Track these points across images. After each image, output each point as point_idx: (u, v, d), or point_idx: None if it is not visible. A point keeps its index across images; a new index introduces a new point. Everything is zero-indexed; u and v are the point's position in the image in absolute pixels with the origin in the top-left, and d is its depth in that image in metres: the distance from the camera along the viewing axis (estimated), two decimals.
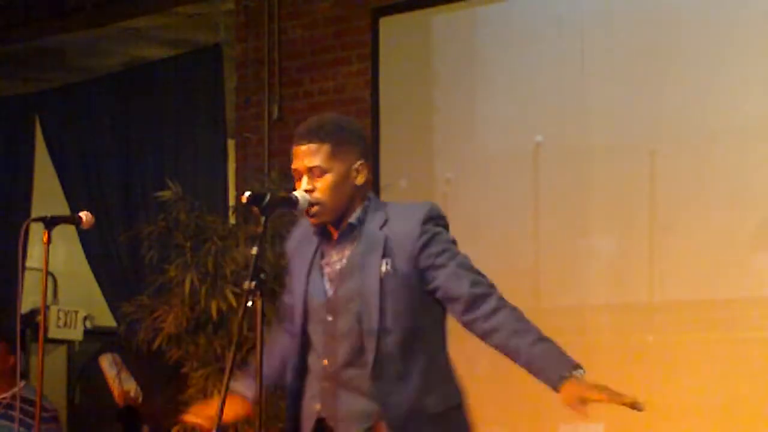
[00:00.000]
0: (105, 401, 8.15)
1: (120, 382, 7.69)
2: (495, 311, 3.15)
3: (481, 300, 3.16)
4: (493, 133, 6.23)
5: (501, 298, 3.19)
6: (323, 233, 3.31)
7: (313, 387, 3.26)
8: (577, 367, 3.05)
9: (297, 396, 3.29)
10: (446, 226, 3.30)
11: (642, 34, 5.80)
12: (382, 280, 3.19)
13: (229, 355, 3.03)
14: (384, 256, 3.20)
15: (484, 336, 3.16)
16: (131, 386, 7.78)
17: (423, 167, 6.45)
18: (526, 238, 6.01)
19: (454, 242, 3.28)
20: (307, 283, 3.28)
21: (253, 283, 2.99)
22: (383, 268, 3.20)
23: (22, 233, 4.20)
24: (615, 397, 2.97)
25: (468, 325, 3.19)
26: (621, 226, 5.77)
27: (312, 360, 3.27)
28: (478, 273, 3.23)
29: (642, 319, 5.66)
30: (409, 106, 6.56)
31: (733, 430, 5.37)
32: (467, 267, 3.22)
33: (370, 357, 3.17)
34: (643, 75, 5.76)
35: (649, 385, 5.43)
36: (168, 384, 6.65)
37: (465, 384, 3.32)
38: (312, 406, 3.25)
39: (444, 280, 3.19)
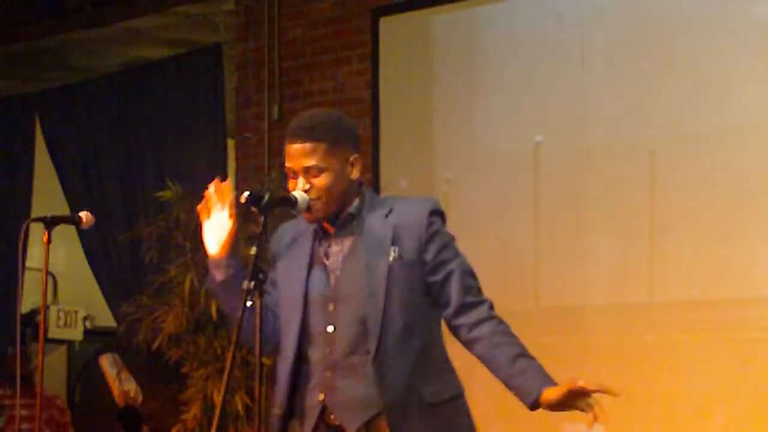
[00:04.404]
0: (105, 401, 8.17)
1: (120, 382, 7.71)
2: (480, 322, 3.20)
3: (469, 308, 3.22)
4: (493, 133, 6.23)
5: (490, 309, 3.24)
6: (319, 228, 3.31)
7: (313, 378, 3.24)
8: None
9: (294, 388, 3.27)
10: (445, 223, 3.32)
11: (641, 34, 5.80)
12: (390, 267, 3.20)
13: (229, 355, 3.02)
14: (393, 243, 3.21)
15: (466, 344, 3.22)
16: (131, 386, 7.80)
17: (423, 167, 6.45)
18: (526, 238, 6.01)
19: (453, 238, 3.30)
20: (308, 277, 3.27)
21: (252, 283, 3.00)
22: (391, 256, 3.20)
23: (22, 233, 4.20)
24: (592, 387, 3.04)
25: (453, 330, 3.25)
26: (621, 226, 5.76)
27: (311, 351, 3.25)
28: (473, 277, 3.27)
29: (642, 319, 5.66)
30: (409, 106, 6.56)
31: (733, 429, 5.37)
32: (463, 271, 3.25)
33: (373, 343, 3.17)
34: (642, 74, 5.76)
35: (649, 385, 5.44)
36: (168, 384, 6.66)
37: (465, 383, 3.32)
38: (313, 397, 3.23)
39: (440, 280, 3.23)
